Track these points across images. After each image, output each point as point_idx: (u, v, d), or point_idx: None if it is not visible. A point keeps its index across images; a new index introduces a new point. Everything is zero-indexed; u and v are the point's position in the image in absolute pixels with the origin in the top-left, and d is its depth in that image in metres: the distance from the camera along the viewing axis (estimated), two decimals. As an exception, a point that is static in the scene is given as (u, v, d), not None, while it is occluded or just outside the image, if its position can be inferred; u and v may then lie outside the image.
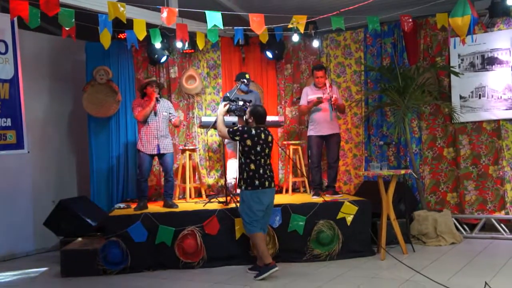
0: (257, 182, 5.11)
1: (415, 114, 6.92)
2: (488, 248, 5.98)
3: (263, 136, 5.21)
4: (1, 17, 5.92)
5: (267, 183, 5.16)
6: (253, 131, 5.17)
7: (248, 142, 5.14)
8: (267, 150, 5.25)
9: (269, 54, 7.54)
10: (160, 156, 6.35)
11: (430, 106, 6.94)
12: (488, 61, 6.56)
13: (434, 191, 6.92)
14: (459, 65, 6.71)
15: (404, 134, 6.75)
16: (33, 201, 7.12)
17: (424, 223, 6.28)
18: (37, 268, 6.15)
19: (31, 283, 5.45)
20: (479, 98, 6.62)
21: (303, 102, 6.71)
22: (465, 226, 6.71)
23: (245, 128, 5.22)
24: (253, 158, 5.16)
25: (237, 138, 5.21)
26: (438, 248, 6.04)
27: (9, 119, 6.08)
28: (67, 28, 5.09)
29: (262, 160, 5.20)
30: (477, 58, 6.63)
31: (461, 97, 6.72)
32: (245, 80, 6.70)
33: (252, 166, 5.15)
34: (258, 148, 5.16)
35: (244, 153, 5.20)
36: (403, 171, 5.95)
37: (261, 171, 5.15)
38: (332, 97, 6.50)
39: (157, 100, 6.27)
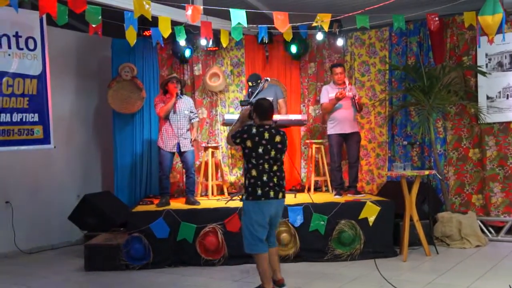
0: (259, 192, 4.32)
1: (440, 114, 6.82)
2: (514, 251, 5.88)
3: (267, 135, 4.38)
4: (31, 14, 6.03)
5: (272, 193, 4.35)
6: (254, 130, 4.38)
7: (248, 143, 4.37)
8: (273, 153, 4.39)
9: (293, 49, 7.49)
10: (181, 153, 6.39)
11: (456, 106, 6.83)
12: (516, 61, 6.44)
13: (458, 192, 6.82)
14: (487, 64, 6.59)
15: (428, 134, 6.66)
16: (58, 195, 7.24)
17: (448, 225, 6.19)
18: (61, 261, 6.26)
19: (55, 276, 5.54)
20: (507, 98, 6.49)
21: (324, 100, 6.70)
22: (491, 229, 6.58)
23: (245, 128, 4.45)
24: (254, 162, 4.37)
25: (238, 141, 4.43)
26: (462, 250, 5.96)
27: (36, 115, 6.19)
28: (93, 25, 5.14)
29: (266, 164, 4.37)
30: (506, 58, 6.50)
31: (488, 97, 6.59)
32: (268, 79, 6.64)
33: (254, 172, 4.37)
34: (260, 150, 4.34)
35: (245, 157, 4.45)
36: (427, 172, 5.88)
37: (264, 178, 4.35)
38: (356, 96, 6.48)
39: (177, 96, 6.31)
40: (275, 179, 4.40)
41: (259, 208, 4.35)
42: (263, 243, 4.40)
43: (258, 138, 4.36)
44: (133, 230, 5.67)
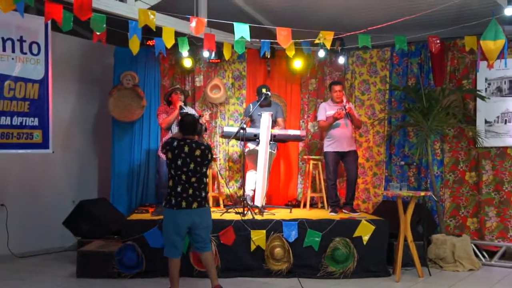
0: (173, 201, 4.65)
1: (438, 136, 6.85)
2: (508, 277, 5.85)
3: (186, 149, 4.66)
4: (36, 19, 6.07)
5: (184, 203, 4.63)
6: (175, 143, 4.70)
7: (169, 154, 4.68)
8: (192, 165, 4.66)
9: (295, 65, 7.52)
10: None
11: (454, 129, 6.86)
12: (516, 87, 6.48)
13: (454, 215, 6.82)
14: (486, 89, 6.64)
15: (426, 155, 6.68)
16: (54, 200, 7.23)
17: (442, 247, 6.18)
18: (53, 266, 6.24)
19: (47, 281, 5.51)
20: (505, 123, 6.53)
21: (321, 117, 6.73)
22: (484, 253, 6.58)
23: (169, 140, 4.81)
24: (173, 173, 4.68)
25: (163, 151, 4.83)
26: (455, 273, 5.95)
27: (36, 119, 6.21)
28: (98, 33, 5.20)
29: (184, 176, 4.65)
30: (505, 83, 6.55)
31: (486, 122, 6.63)
32: (268, 93, 6.73)
33: (171, 183, 4.70)
34: (179, 162, 4.63)
35: (167, 167, 4.77)
36: (423, 193, 5.89)
37: (179, 189, 4.64)
38: (346, 106, 6.49)
39: (181, 108, 6.33)
40: (190, 190, 4.66)
41: (172, 216, 4.69)
42: (175, 249, 4.75)
43: (177, 151, 4.66)
44: (127, 238, 5.66)
